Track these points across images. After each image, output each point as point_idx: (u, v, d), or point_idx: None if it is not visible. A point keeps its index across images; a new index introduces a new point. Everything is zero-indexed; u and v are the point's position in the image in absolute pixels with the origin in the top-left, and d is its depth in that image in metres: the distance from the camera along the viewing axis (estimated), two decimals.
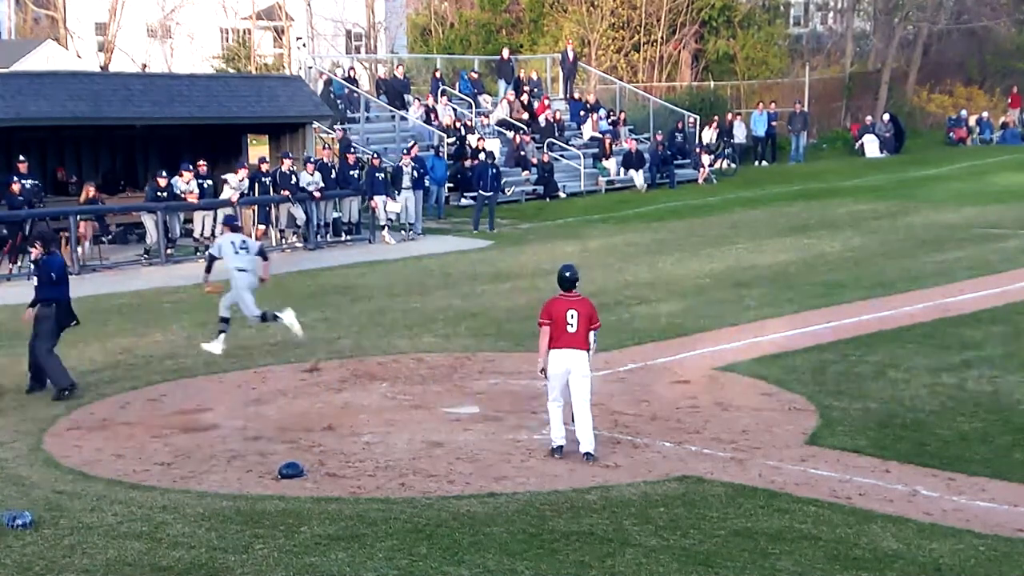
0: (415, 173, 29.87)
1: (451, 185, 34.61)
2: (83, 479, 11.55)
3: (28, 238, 21.44)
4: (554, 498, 10.77)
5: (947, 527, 10.03)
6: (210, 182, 27.31)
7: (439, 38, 53.51)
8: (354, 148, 32.34)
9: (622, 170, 38.66)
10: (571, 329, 11.81)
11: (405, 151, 30.88)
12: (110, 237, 27.78)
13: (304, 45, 52.94)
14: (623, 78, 47.03)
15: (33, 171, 26.03)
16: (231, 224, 17.85)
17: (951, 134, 49.22)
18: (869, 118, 48.36)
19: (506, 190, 33.85)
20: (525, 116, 39.36)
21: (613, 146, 39.28)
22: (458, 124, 36.89)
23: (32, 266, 16.36)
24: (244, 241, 17.22)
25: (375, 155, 30.14)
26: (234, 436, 13.02)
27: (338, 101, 36.56)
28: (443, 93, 38.71)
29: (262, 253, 17.28)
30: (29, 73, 34.62)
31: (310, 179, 27.86)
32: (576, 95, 42.80)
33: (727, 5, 50.30)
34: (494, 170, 31.91)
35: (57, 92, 26.51)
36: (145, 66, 50.03)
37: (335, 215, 29.06)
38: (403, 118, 36.68)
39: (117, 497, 10.91)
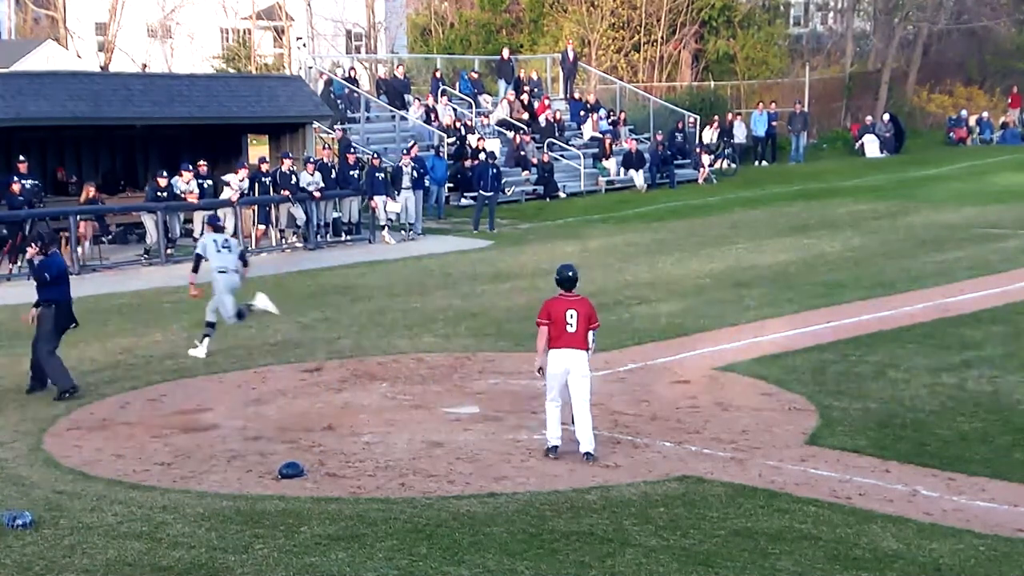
0: (415, 173, 29.87)
1: (451, 185, 34.62)
2: (83, 479, 11.55)
3: (27, 238, 21.45)
4: (554, 498, 10.77)
5: (947, 527, 10.02)
6: (210, 182, 27.32)
7: (439, 38, 53.53)
8: (354, 148, 32.34)
9: (622, 170, 38.66)
10: (571, 329, 11.80)
11: (405, 151, 30.88)
12: (110, 237, 27.80)
13: (304, 45, 52.92)
14: (623, 78, 47.04)
15: (33, 171, 26.04)
16: (214, 224, 17.88)
17: (951, 134, 49.24)
18: (869, 118, 48.37)
19: (506, 190, 33.85)
20: (525, 116, 39.37)
21: (613, 146, 39.29)
22: (458, 124, 36.90)
23: (28, 266, 16.37)
24: (227, 240, 17.25)
25: (375, 155, 30.14)
26: (234, 436, 13.02)
27: (338, 101, 36.57)
28: (443, 93, 38.72)
29: (243, 257, 17.28)
30: (29, 73, 34.63)
31: (310, 179, 27.87)
32: (576, 95, 42.81)
33: (727, 5, 50.32)
34: (494, 170, 31.91)
35: (57, 92, 26.52)
36: (145, 66, 50.02)
37: (335, 215, 29.06)
38: (403, 118, 36.69)
39: (117, 497, 10.91)
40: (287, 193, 27.43)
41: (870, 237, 27.74)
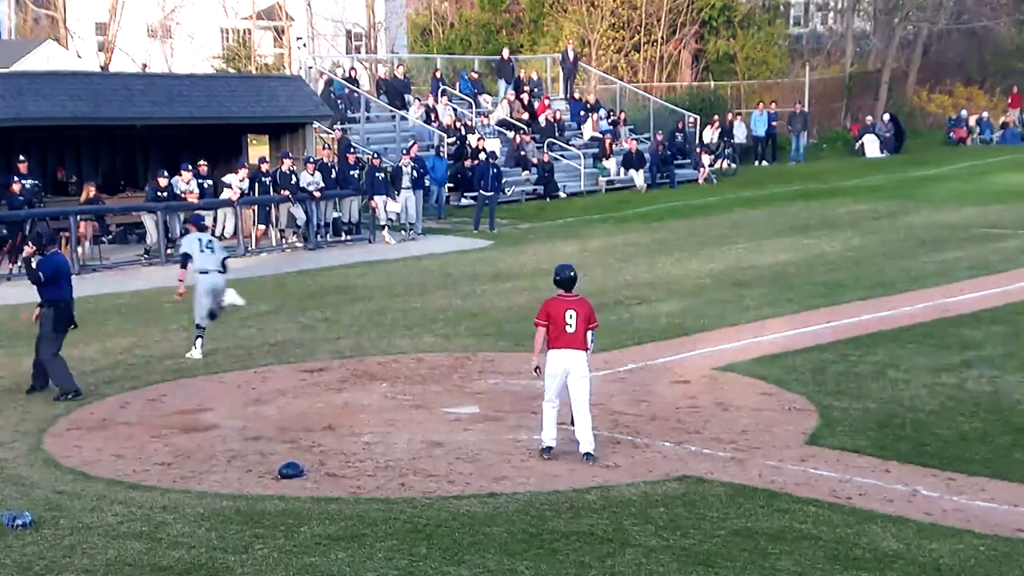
0: (415, 173, 29.87)
1: (451, 185, 34.62)
2: (83, 479, 11.55)
3: (27, 238, 21.47)
4: (554, 498, 10.77)
5: (947, 527, 10.03)
6: (210, 182, 27.32)
7: (439, 38, 53.53)
8: (354, 148, 32.33)
9: (622, 170, 38.66)
10: (570, 329, 11.79)
11: (405, 151, 30.89)
12: (110, 237, 27.80)
13: (304, 45, 52.92)
14: (623, 78, 47.04)
15: (33, 171, 26.04)
16: (197, 223, 17.87)
17: (951, 134, 49.25)
18: (869, 118, 48.37)
19: (506, 190, 33.85)
20: (525, 116, 39.38)
21: (613, 146, 39.29)
22: (458, 124, 36.90)
23: (24, 265, 16.36)
24: (210, 241, 17.19)
25: (375, 155, 30.14)
26: (234, 436, 13.02)
27: (338, 101, 36.58)
28: (443, 93, 38.72)
29: (224, 264, 17.11)
30: (29, 73, 34.63)
31: (310, 179, 27.87)
32: (576, 95, 42.81)
33: (727, 5, 50.32)
34: (495, 170, 31.91)
35: (57, 92, 26.52)
36: (145, 66, 50.02)
37: (335, 215, 29.06)
38: (403, 118, 36.69)
39: (117, 497, 10.91)
40: (287, 193, 27.43)
41: (870, 237, 27.74)
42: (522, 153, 36.74)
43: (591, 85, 45.85)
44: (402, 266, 25.58)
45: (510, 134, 37.65)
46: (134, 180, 29.98)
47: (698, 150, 41.06)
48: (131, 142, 30.51)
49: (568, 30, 48.70)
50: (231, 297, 16.98)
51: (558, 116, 39.82)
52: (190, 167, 26.78)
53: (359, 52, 54.48)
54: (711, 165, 40.87)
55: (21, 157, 25.38)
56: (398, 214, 29.63)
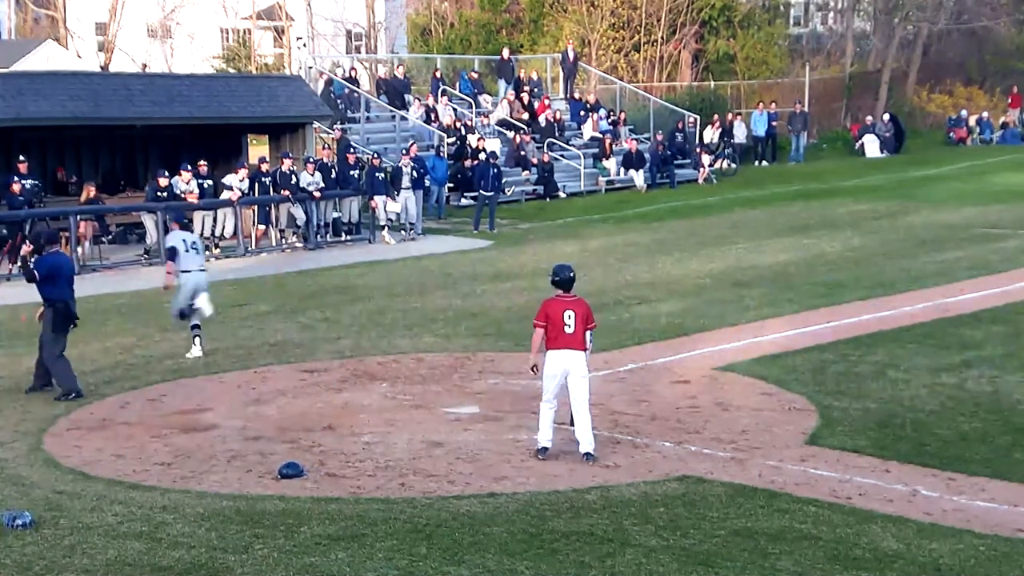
0: (415, 173, 29.87)
1: (451, 185, 34.62)
2: (83, 479, 11.55)
3: (27, 238, 21.47)
4: (554, 498, 10.76)
5: (947, 527, 10.02)
6: (210, 182, 27.31)
7: (439, 38, 53.54)
8: (354, 148, 32.34)
9: (622, 170, 38.67)
10: (568, 330, 11.77)
11: (404, 151, 30.89)
12: (110, 237, 27.79)
13: (304, 45, 52.93)
14: (623, 78, 47.05)
15: (33, 171, 26.04)
16: (181, 221, 17.93)
17: (951, 134, 49.25)
18: (869, 118, 48.38)
19: (506, 190, 33.86)
20: (525, 116, 39.38)
21: (613, 146, 39.29)
22: (458, 124, 36.90)
23: (22, 264, 16.37)
24: (195, 242, 17.28)
25: (375, 155, 30.14)
26: (234, 436, 13.01)
27: (338, 101, 36.58)
28: (443, 93, 38.72)
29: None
30: (29, 73, 34.64)
31: (310, 179, 27.87)
32: (576, 95, 42.81)
33: (727, 5, 50.32)
34: (495, 170, 31.91)
35: (57, 92, 26.53)
36: (145, 66, 50.03)
37: (335, 215, 29.07)
38: (403, 118, 36.70)
39: (117, 497, 10.91)
40: (287, 193, 27.43)
41: (870, 237, 27.74)
42: (522, 153, 36.74)
43: (591, 85, 45.85)
44: (402, 266, 25.59)
45: (510, 134, 37.65)
46: (134, 180, 29.99)
47: (698, 150, 41.07)
48: (131, 142, 30.52)
49: (568, 30, 48.70)
50: (202, 302, 16.96)
51: (558, 116, 39.82)
52: (190, 167, 26.77)
53: (359, 52, 54.49)
54: (711, 165, 40.88)
55: (21, 157, 25.39)
56: (398, 214, 29.63)
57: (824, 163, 44.38)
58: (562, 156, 38.30)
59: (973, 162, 43.09)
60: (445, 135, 35.77)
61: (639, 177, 38.26)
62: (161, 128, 29.14)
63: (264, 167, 28.22)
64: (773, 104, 46.07)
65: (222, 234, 27.06)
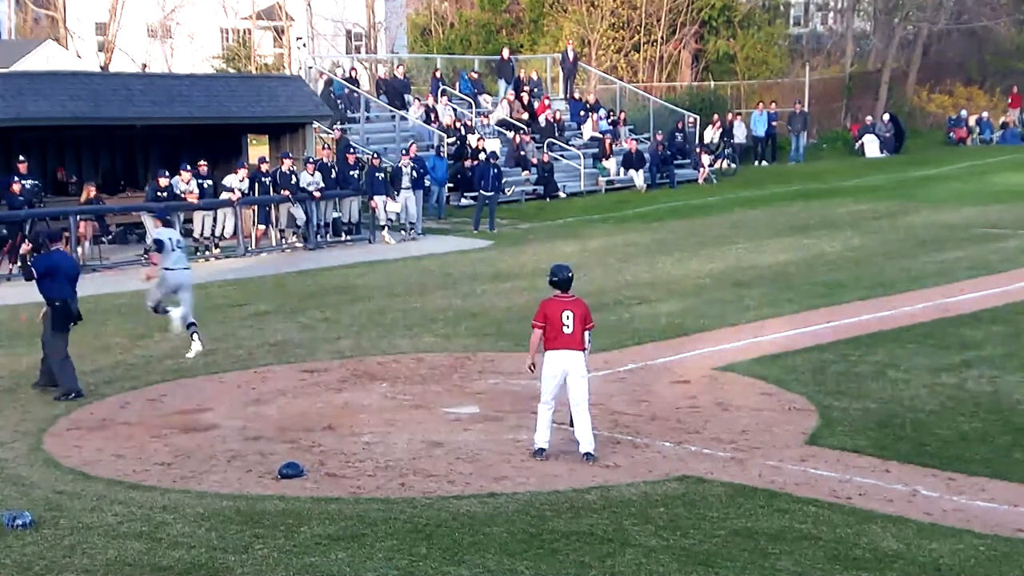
0: (414, 173, 29.87)
1: (451, 185, 34.62)
2: (83, 479, 11.55)
3: (27, 237, 21.46)
4: (554, 498, 10.76)
5: (947, 527, 10.03)
6: (210, 182, 27.31)
7: (439, 38, 53.54)
8: (354, 148, 32.34)
9: (622, 170, 38.67)
10: (567, 330, 11.76)
11: (404, 151, 30.89)
12: (110, 237, 27.79)
13: (304, 45, 52.94)
14: (623, 78, 47.05)
15: (33, 171, 26.04)
16: (164, 218, 17.96)
17: (951, 134, 49.26)
18: (869, 118, 48.37)
19: (506, 190, 33.86)
20: (525, 116, 39.38)
21: (613, 146, 39.29)
22: (458, 124, 36.90)
23: (21, 262, 16.36)
24: (180, 240, 17.27)
25: (375, 155, 30.14)
26: (234, 436, 13.01)
27: (338, 101, 36.58)
28: (443, 93, 38.72)
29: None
30: (29, 73, 34.63)
31: (310, 179, 27.87)
32: (576, 95, 42.81)
33: (727, 5, 50.32)
34: (495, 170, 31.91)
35: (57, 92, 26.52)
36: (145, 66, 50.02)
37: (335, 215, 29.07)
38: (403, 118, 36.70)
39: (117, 497, 10.91)
40: (287, 193, 27.43)
41: (870, 237, 27.74)
42: (522, 153, 36.75)
43: (591, 85, 45.85)
44: (402, 266, 25.58)
45: (510, 134, 37.65)
46: (134, 180, 29.99)
47: (698, 150, 41.07)
48: (131, 142, 30.51)
49: (568, 30, 48.70)
50: (175, 314, 16.90)
51: (558, 116, 39.82)
52: (190, 167, 26.77)
53: (359, 52, 54.49)
54: (711, 165, 40.88)
55: (21, 157, 25.38)
56: (398, 214, 29.63)
57: (824, 163, 44.38)
58: (562, 156, 38.30)
59: (973, 162, 43.09)
60: (445, 135, 35.77)
61: (639, 177, 38.26)
62: (161, 128, 29.14)
63: (264, 167, 28.22)
64: (773, 104, 46.07)
65: (222, 234, 27.05)
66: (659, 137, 39.70)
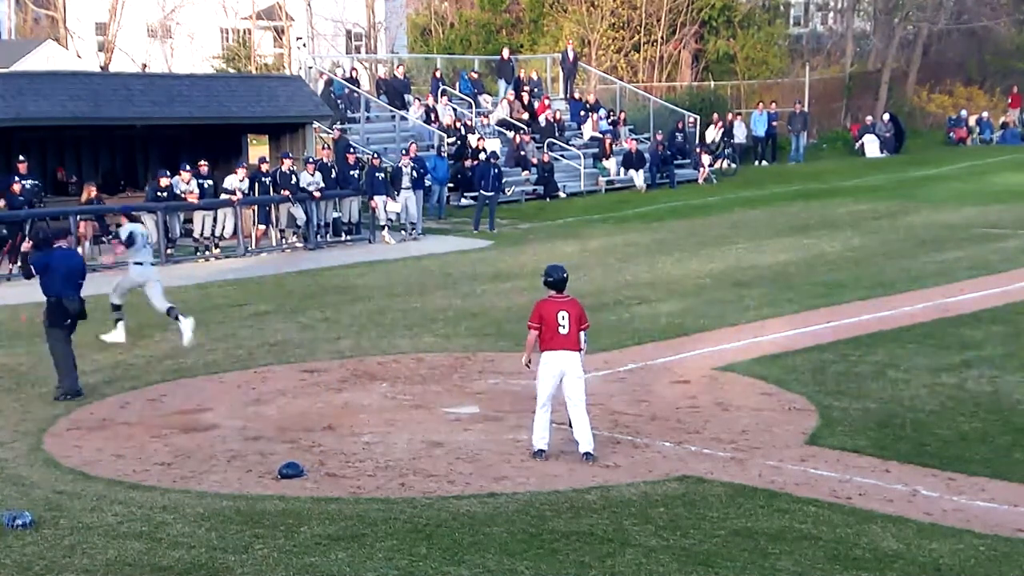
0: (415, 173, 29.87)
1: (451, 185, 34.63)
2: (83, 479, 11.54)
3: (28, 237, 21.47)
4: (554, 498, 10.76)
5: (947, 527, 10.02)
6: (210, 182, 27.31)
7: (439, 38, 53.54)
8: (354, 148, 32.34)
9: (622, 170, 38.67)
10: (563, 331, 11.74)
11: (404, 151, 30.89)
12: (110, 237, 27.76)
13: (304, 45, 52.94)
14: (623, 78, 47.05)
15: (33, 171, 26.03)
16: (128, 214, 18.25)
17: (951, 134, 49.27)
18: (869, 118, 48.38)
19: (506, 190, 33.87)
20: (525, 116, 39.39)
21: (613, 146, 39.30)
22: (458, 124, 36.91)
23: (21, 261, 16.37)
24: (147, 235, 17.68)
25: (375, 155, 30.14)
26: (234, 436, 13.01)
27: (338, 101, 36.59)
28: (443, 93, 38.73)
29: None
30: (29, 73, 34.63)
31: (310, 179, 27.87)
32: (576, 95, 42.82)
33: (727, 5, 50.33)
34: (495, 170, 31.91)
35: (57, 92, 26.52)
36: (145, 66, 50.02)
37: (335, 215, 29.06)
38: (403, 118, 36.70)
39: (117, 497, 10.90)
40: (287, 193, 27.43)
41: (870, 237, 27.74)
42: (522, 153, 36.75)
43: (591, 85, 45.86)
44: (402, 266, 25.58)
45: (510, 134, 37.66)
46: (134, 180, 29.98)
47: (698, 150, 41.07)
48: (131, 142, 30.52)
49: (568, 30, 48.71)
50: (117, 330, 17.39)
51: (558, 116, 39.83)
52: (190, 167, 26.77)
53: (359, 52, 54.49)
54: (711, 165, 40.88)
55: (21, 157, 25.37)
56: (398, 214, 29.63)
57: (824, 163, 44.38)
58: (562, 156, 38.30)
59: (973, 162, 43.09)
60: (445, 135, 35.78)
61: (639, 177, 38.26)
62: (161, 128, 29.14)
63: (264, 167, 28.22)
64: (773, 104, 46.08)
65: (222, 234, 27.06)
66: (659, 137, 39.71)
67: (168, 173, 26.25)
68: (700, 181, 39.94)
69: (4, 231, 24.59)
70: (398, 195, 29.45)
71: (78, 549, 9.56)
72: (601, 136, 39.54)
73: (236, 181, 27.06)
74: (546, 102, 40.31)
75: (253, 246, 27.66)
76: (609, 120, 41.44)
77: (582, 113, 41.21)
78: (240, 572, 9.09)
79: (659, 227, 30.83)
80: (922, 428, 12.88)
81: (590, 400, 12.12)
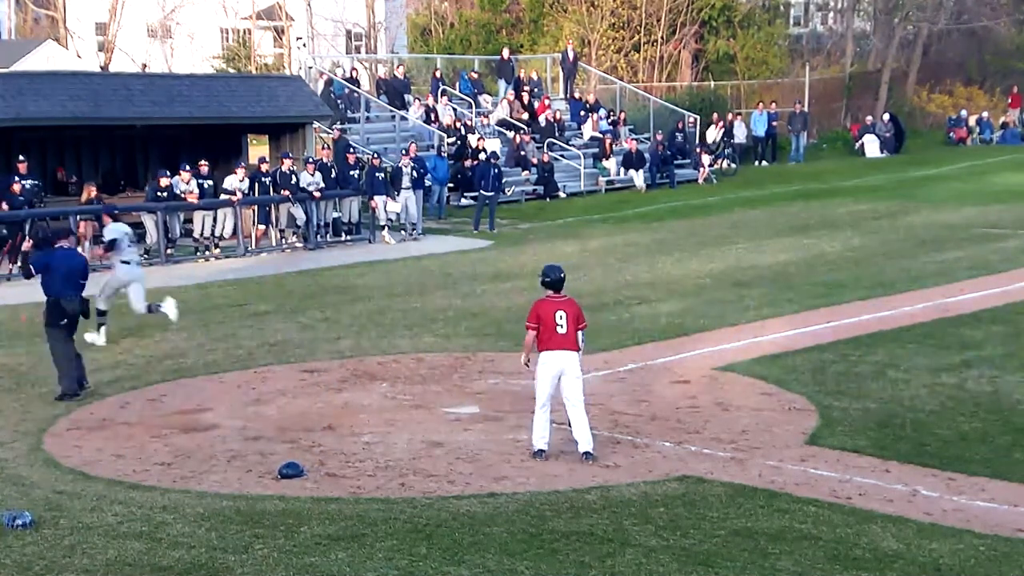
0: (415, 173, 29.87)
1: (451, 185, 34.63)
2: (83, 479, 11.55)
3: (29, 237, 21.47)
4: (554, 498, 10.76)
5: (947, 527, 10.03)
6: (210, 182, 27.31)
7: (439, 38, 53.54)
8: (353, 148, 32.34)
9: (622, 170, 38.67)
10: (561, 331, 11.75)
11: (404, 151, 30.89)
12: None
13: (304, 45, 52.95)
14: (623, 78, 47.05)
15: (33, 171, 26.03)
16: (110, 213, 18.36)
17: (951, 134, 49.26)
18: (869, 118, 48.38)
19: (506, 190, 33.87)
20: (525, 116, 39.38)
21: (613, 146, 39.30)
22: (458, 124, 36.91)
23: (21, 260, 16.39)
24: (131, 234, 17.85)
25: (375, 155, 30.14)
26: (234, 436, 13.01)
27: (338, 101, 36.58)
28: (443, 93, 38.73)
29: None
30: (29, 73, 34.63)
31: (310, 179, 27.87)
32: (576, 95, 42.82)
33: (727, 5, 50.32)
34: (495, 170, 31.91)
35: (57, 92, 26.52)
36: (145, 66, 50.02)
37: (335, 215, 29.06)
38: (403, 118, 36.70)
39: (117, 497, 10.90)
40: (287, 193, 27.43)
41: (870, 237, 27.74)
42: (522, 153, 36.75)
43: (591, 85, 45.85)
44: (402, 266, 25.58)
45: (510, 134, 37.65)
46: (134, 180, 29.98)
47: (698, 150, 41.07)
48: (131, 142, 30.51)
49: (568, 30, 48.70)
50: (98, 336, 17.35)
51: (558, 116, 39.82)
52: (190, 167, 26.77)
53: (359, 52, 54.49)
54: (711, 165, 40.88)
55: (21, 157, 25.37)
56: (398, 214, 29.62)
57: (824, 163, 44.38)
58: (562, 156, 38.30)
59: (973, 162, 43.09)
60: (445, 135, 35.77)
61: (639, 177, 38.26)
62: (161, 128, 29.14)
63: (264, 167, 28.21)
64: (773, 104, 46.08)
65: (222, 234, 27.06)
66: (659, 137, 39.71)
67: (168, 173, 26.24)
68: (700, 181, 39.93)
69: (4, 231, 24.60)
70: (398, 195, 29.44)
71: (78, 549, 9.56)
72: (601, 136, 39.54)
73: (236, 181, 27.05)
74: (546, 102, 40.31)
75: (253, 246, 27.66)
76: (609, 120, 41.44)
77: (582, 113, 41.21)
78: (240, 572, 9.09)
79: (659, 227, 30.83)
80: (922, 428, 12.88)
81: (590, 400, 12.11)
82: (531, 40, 51.11)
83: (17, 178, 24.82)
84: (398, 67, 40.31)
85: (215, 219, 26.85)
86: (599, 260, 25.12)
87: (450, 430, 13.08)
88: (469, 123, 37.49)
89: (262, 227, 28.38)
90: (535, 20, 51.60)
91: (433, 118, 36.98)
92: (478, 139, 35.83)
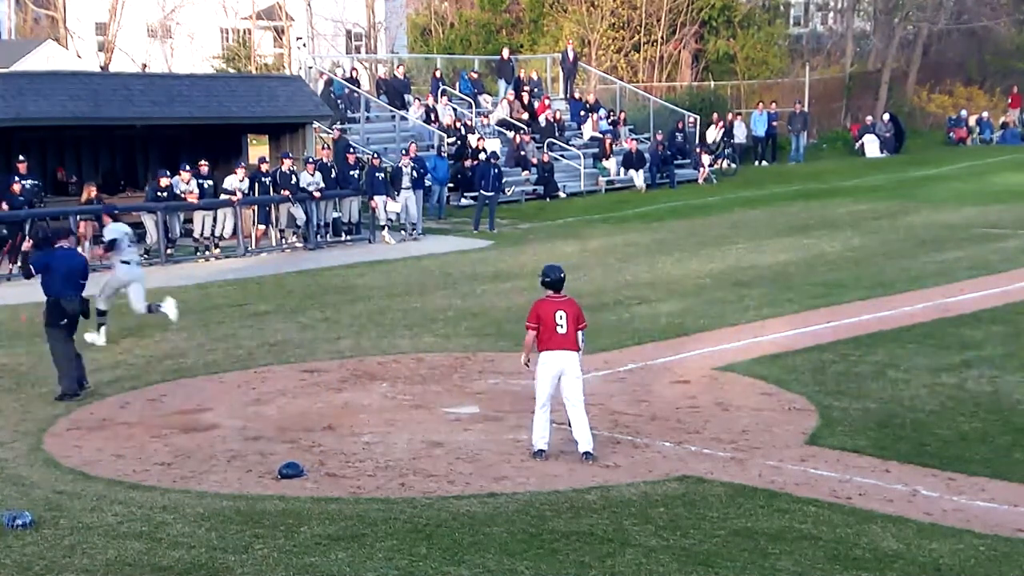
0: (415, 173, 29.87)
1: (451, 185, 34.63)
2: (83, 479, 11.55)
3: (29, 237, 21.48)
4: (554, 498, 10.76)
5: (947, 527, 10.03)
6: (210, 182, 27.31)
7: (439, 38, 53.54)
8: (354, 148, 32.34)
9: (622, 170, 38.67)
10: (561, 330, 11.75)
11: (404, 151, 30.90)
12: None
13: (304, 45, 52.95)
14: (623, 78, 47.05)
15: (33, 171, 26.03)
16: (111, 214, 18.40)
17: (951, 134, 49.26)
18: (869, 118, 48.38)
19: (506, 190, 33.87)
20: (525, 116, 39.38)
21: (613, 146, 39.30)
22: (458, 124, 36.91)
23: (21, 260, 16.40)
24: (133, 236, 17.97)
25: (375, 155, 30.14)
26: (234, 436, 13.01)
27: (338, 101, 36.58)
28: (443, 93, 38.73)
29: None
30: (29, 73, 34.62)
31: (310, 179, 27.87)
32: (576, 95, 42.82)
33: (727, 5, 50.32)
34: (495, 170, 31.91)
35: (57, 92, 26.52)
36: (145, 66, 50.03)
37: (335, 215, 29.06)
38: (403, 118, 36.70)
39: (117, 497, 10.91)
40: (287, 193, 27.43)
41: (870, 237, 27.74)
42: (522, 153, 36.75)
43: (591, 85, 45.86)
44: (402, 266, 25.58)
45: (510, 134, 37.65)
46: (134, 180, 29.98)
47: (698, 150, 41.08)
48: (131, 142, 30.51)
49: (568, 30, 48.71)
50: (99, 338, 17.36)
51: (558, 116, 39.82)
52: (190, 167, 26.77)
53: (359, 52, 54.50)
54: (711, 165, 40.88)
55: (21, 157, 25.37)
56: (398, 214, 29.62)
57: (824, 163, 44.38)
58: (562, 156, 38.30)
59: (973, 162, 43.09)
60: (445, 135, 35.78)
61: (639, 177, 38.26)
62: (161, 128, 29.13)
63: (264, 167, 28.21)
64: (773, 104, 46.08)
65: (222, 234, 27.06)
66: (659, 137, 39.71)
67: (168, 173, 26.24)
68: (700, 181, 39.93)
69: (4, 231, 24.59)
70: (398, 195, 29.44)
71: (78, 549, 9.56)
72: (601, 136, 39.54)
73: (236, 181, 27.04)
74: (546, 102, 40.31)
75: (253, 246, 27.66)
76: (609, 120, 41.44)
77: (582, 113, 41.21)
78: (240, 572, 9.09)
79: (659, 227, 30.83)
80: (922, 428, 12.88)
81: (590, 400, 12.11)
82: (531, 40, 51.12)
83: (17, 178, 24.82)
84: (398, 67, 40.31)
85: (215, 219, 26.85)
86: (599, 260, 25.12)
87: (450, 430, 13.08)
88: (469, 123, 37.49)
89: (262, 227, 28.38)
90: (535, 20, 51.61)
91: (433, 118, 36.98)
92: (478, 139, 35.83)
